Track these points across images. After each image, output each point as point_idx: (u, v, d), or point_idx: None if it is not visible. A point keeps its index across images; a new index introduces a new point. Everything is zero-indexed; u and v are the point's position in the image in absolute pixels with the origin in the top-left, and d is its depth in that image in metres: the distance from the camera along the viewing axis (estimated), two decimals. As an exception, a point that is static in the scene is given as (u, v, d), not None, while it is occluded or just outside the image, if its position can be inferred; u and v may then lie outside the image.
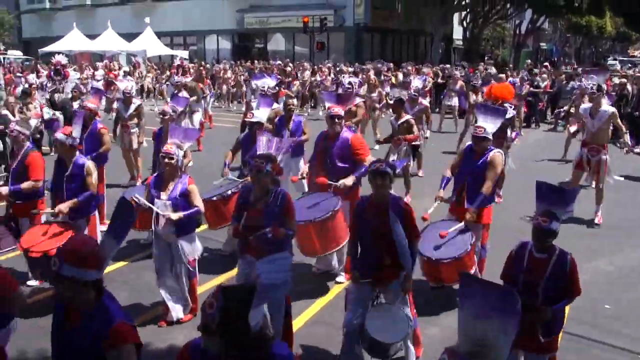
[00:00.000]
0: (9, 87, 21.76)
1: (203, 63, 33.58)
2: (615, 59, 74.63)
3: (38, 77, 23.48)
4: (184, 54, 41.57)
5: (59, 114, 14.13)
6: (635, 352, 5.94)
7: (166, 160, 6.22)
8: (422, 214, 6.52)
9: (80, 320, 3.29)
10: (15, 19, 59.33)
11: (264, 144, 5.88)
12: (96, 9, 52.39)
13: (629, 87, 19.09)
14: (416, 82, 14.00)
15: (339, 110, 7.62)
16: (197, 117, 15.97)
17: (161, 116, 9.63)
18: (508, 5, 44.64)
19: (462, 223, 6.66)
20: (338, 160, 7.40)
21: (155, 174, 6.75)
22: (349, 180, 7.21)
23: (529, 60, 35.45)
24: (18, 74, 25.87)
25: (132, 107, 12.50)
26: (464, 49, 47.27)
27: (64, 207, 6.80)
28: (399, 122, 11.22)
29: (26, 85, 17.93)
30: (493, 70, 26.32)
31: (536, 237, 4.63)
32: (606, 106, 10.05)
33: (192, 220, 6.46)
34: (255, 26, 44.25)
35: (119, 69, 28.98)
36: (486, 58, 45.18)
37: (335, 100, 8.42)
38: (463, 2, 41.15)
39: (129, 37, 39.55)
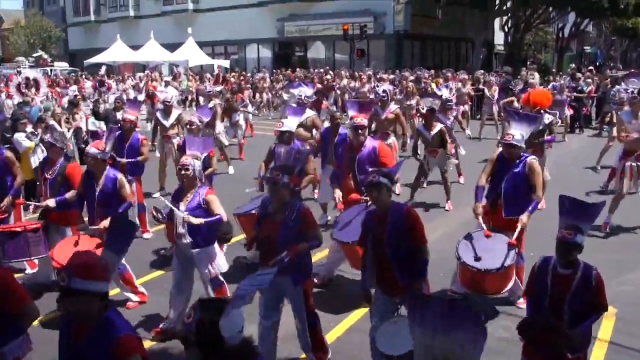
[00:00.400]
0: (56, 98, 22.25)
1: (243, 72, 33.83)
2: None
3: (80, 89, 23.94)
4: (225, 63, 41.96)
5: (102, 125, 14.38)
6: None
7: (182, 172, 6.23)
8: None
9: (87, 334, 3.33)
10: (62, 32, 60.73)
11: (282, 155, 5.82)
12: (139, 20, 53.36)
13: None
14: (444, 92, 13.52)
15: (362, 120, 7.57)
16: (241, 125, 16.16)
17: (188, 126, 9.79)
18: (550, 9, 43.99)
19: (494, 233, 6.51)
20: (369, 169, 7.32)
21: (177, 186, 6.78)
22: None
23: (573, 65, 34.92)
24: (64, 86, 26.49)
25: (173, 117, 12.60)
26: (506, 54, 46.78)
27: (107, 222, 6.75)
28: (433, 133, 11.06)
29: (72, 96, 18.31)
30: (536, 75, 25.98)
31: (560, 252, 4.45)
32: None
33: (212, 231, 6.32)
34: (296, 34, 44.45)
35: (161, 78, 29.35)
36: (528, 63, 44.58)
37: (357, 109, 8.25)
38: (504, 7, 40.71)
39: (171, 47, 40.18)
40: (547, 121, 10.41)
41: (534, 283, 4.66)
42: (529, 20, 43.48)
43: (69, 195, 7.41)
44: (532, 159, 6.78)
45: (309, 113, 11.36)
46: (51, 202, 7.42)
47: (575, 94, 21.10)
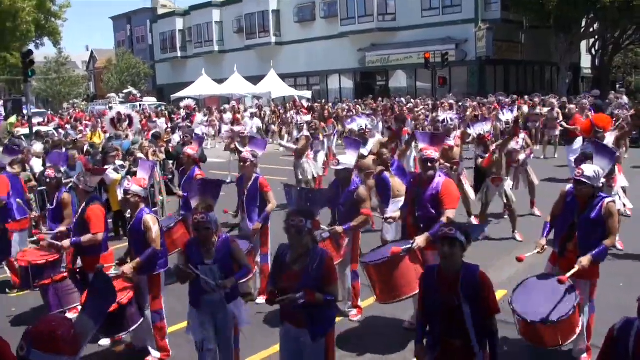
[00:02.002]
0: (145, 131, 22.98)
1: (324, 102, 34.08)
2: None
3: (167, 121, 24.72)
4: (307, 94, 42.48)
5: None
6: None
7: (202, 232, 5.49)
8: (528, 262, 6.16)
9: None
10: (150, 69, 62.98)
11: (294, 198, 5.37)
12: (224, 55, 54.78)
13: None
14: (507, 116, 12.64)
15: (432, 152, 6.88)
16: (321, 156, 16.09)
17: (241, 163, 9.04)
18: (640, 30, 42.59)
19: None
20: (431, 209, 6.75)
21: (190, 238, 6.26)
22: (421, 240, 6.58)
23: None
24: (153, 119, 27.39)
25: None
26: (593, 78, 45.43)
27: (127, 268, 6.51)
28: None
29: (157, 130, 18.86)
30: (625, 99, 25.17)
31: None
32: None
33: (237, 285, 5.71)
34: (377, 64, 44.53)
35: (245, 110, 29.93)
36: (617, 86, 43.16)
37: (428, 141, 7.42)
38: (591, 29, 39.64)
39: (255, 79, 41.06)
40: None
41: (611, 351, 3.89)
42: (618, 42, 42.15)
43: (85, 238, 7.10)
44: (609, 202, 6.01)
45: (372, 141, 11.39)
46: (66, 243, 7.33)
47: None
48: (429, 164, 6.81)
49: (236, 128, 17.78)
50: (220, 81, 42.31)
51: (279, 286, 5.03)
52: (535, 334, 5.60)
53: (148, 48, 65.28)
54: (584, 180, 5.89)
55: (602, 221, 5.95)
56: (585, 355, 6.22)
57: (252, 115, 26.33)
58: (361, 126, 11.74)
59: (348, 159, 7.85)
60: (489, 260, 9.06)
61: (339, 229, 7.41)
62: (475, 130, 11.33)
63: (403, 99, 31.19)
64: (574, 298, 5.59)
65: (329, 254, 5.14)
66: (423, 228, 6.71)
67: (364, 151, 10.58)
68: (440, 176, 6.88)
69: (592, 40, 43.53)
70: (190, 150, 10.18)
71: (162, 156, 15.18)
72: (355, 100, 37.62)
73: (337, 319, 6.66)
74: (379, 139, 11.69)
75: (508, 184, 11.04)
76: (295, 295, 4.79)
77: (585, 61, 47.95)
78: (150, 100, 47.91)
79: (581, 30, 38.88)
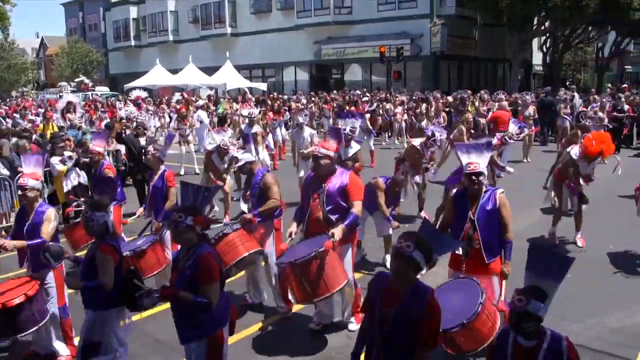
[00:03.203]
0: (96, 121, 22.63)
1: (274, 95, 33.96)
2: None
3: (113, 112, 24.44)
4: (263, 85, 42.35)
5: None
6: None
7: (87, 228, 5.39)
8: None
9: None
10: (102, 57, 61.95)
11: (187, 195, 5.16)
12: (178, 45, 54.27)
13: None
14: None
15: (325, 150, 6.77)
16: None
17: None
18: (590, 29, 43.47)
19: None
20: (341, 202, 6.68)
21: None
22: (338, 232, 6.36)
23: (610, 85, 34.44)
24: (102, 110, 27.00)
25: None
26: (544, 75, 46.27)
27: (10, 243, 6.19)
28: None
29: (109, 120, 18.61)
30: (577, 96, 25.69)
31: (511, 321, 3.75)
32: None
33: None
34: (333, 57, 44.58)
35: (195, 101, 29.60)
36: (567, 83, 44.01)
37: (333, 136, 7.40)
38: (542, 27, 40.35)
39: (210, 70, 40.75)
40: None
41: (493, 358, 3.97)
42: (568, 40, 43.04)
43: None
44: (499, 193, 6.12)
45: (356, 147, 11.19)
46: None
47: (615, 113, 20.73)
48: (320, 161, 6.70)
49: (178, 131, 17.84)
50: (174, 71, 41.90)
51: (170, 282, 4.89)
52: (450, 341, 5.30)
53: (101, 36, 64.13)
54: (481, 170, 6.02)
55: (497, 213, 6.02)
56: None
57: (200, 108, 25.90)
58: (353, 126, 11.66)
59: (246, 155, 7.84)
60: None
61: (247, 215, 7.34)
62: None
63: (358, 91, 31.26)
64: (478, 297, 5.37)
65: (209, 253, 4.77)
66: (335, 221, 6.56)
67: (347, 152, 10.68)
68: (343, 173, 6.80)
69: (543, 38, 44.33)
70: (97, 147, 9.65)
71: (117, 147, 15.01)
72: (311, 93, 37.63)
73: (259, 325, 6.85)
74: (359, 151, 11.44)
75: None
76: (152, 289, 4.75)
77: (537, 58, 48.81)
78: (102, 90, 47.13)
79: (533, 28, 39.59)
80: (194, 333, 4.72)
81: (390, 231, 9.07)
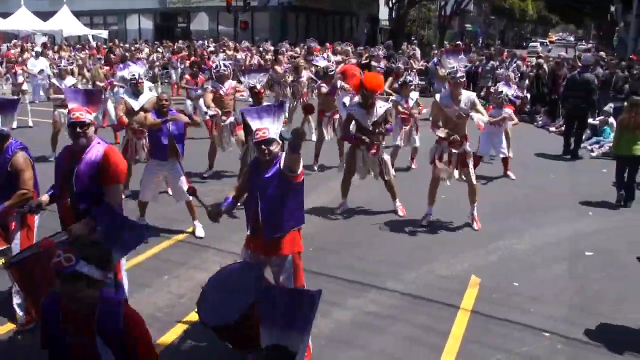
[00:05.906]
0: None
1: (115, 43, 32.40)
2: (536, 41, 77.42)
3: None
4: (104, 33, 40.34)
5: None
6: (544, 330, 5.77)
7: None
8: None
9: None
10: None
11: None
12: (9, -14, 50.35)
13: (545, 67, 19.32)
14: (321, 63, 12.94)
15: (80, 114, 4.93)
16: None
17: None
18: (433, -14, 44.90)
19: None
20: (90, 184, 4.95)
21: None
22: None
23: (446, 42, 35.80)
24: None
25: None
26: (390, 30, 47.33)
27: None
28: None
29: None
30: (417, 51, 26.33)
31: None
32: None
33: None
34: (178, 5, 43.24)
35: (32, 49, 27.61)
36: (411, 39, 45.26)
37: (82, 100, 5.30)
38: (389, -17, 41.15)
39: (45, 15, 38.01)
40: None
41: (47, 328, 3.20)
42: (413, -4, 44.23)
43: None
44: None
45: (147, 94, 10.10)
46: None
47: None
48: (78, 129, 4.89)
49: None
50: (4, 15, 38.71)
51: None
52: (229, 336, 4.46)
53: None
54: (271, 137, 4.86)
55: (281, 181, 4.89)
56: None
57: (37, 55, 24.11)
58: (133, 74, 10.17)
59: None
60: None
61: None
62: (249, 81, 9.85)
63: (205, 42, 30.47)
64: (257, 285, 4.34)
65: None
66: (83, 211, 4.90)
67: (135, 104, 9.83)
68: (99, 143, 4.99)
69: (390, -6, 45.23)
70: None
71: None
72: (156, 42, 36.27)
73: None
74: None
75: None
76: None
77: (384, 13, 49.84)
78: None
79: (380, -18, 40.25)
80: None
81: None
